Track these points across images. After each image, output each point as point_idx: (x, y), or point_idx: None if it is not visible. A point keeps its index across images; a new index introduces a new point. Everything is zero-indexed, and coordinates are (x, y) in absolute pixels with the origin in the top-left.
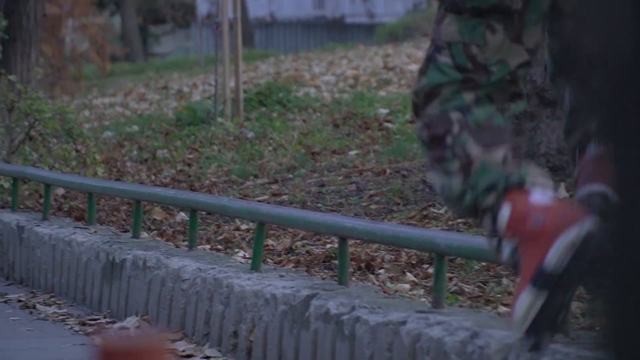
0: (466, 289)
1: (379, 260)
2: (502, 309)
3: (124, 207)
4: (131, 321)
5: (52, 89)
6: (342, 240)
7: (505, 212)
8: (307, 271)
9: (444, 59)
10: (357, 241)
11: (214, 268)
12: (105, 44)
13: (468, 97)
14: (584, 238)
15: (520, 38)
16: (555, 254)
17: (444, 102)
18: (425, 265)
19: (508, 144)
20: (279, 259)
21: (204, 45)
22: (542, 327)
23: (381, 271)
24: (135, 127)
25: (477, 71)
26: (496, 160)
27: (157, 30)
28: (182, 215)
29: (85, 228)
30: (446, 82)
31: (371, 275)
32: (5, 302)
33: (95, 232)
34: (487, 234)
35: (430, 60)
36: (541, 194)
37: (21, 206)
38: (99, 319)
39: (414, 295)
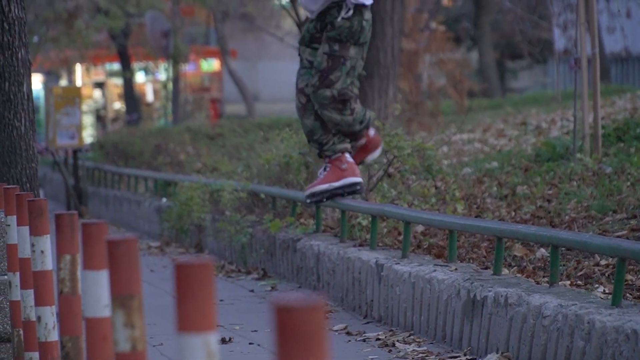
0: None
1: None
2: None
3: (484, 244)
4: (491, 358)
5: (409, 125)
6: None
7: (363, 140)
8: None
9: (306, 57)
10: None
11: (575, 304)
12: (463, 79)
13: (348, 80)
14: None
15: None
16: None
17: (343, 83)
18: None
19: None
20: (638, 294)
21: (561, 80)
22: (321, 199)
23: None
24: (495, 164)
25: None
26: (361, 110)
27: (514, 65)
28: (542, 251)
29: (446, 265)
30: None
31: None
32: (364, 340)
33: (456, 269)
34: (351, 146)
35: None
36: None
37: (380, 244)
38: (458, 356)
39: None
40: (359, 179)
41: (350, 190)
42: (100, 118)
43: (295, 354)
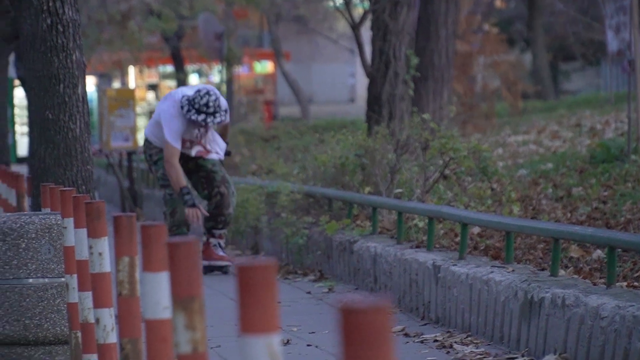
0: None
1: None
2: None
3: (541, 245)
4: (549, 359)
5: (464, 127)
6: None
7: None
8: None
9: None
10: None
11: (633, 305)
12: (516, 81)
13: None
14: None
15: None
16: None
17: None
18: None
19: None
20: None
21: (614, 82)
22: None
23: None
24: (550, 165)
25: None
26: None
27: (567, 67)
28: (599, 253)
29: (503, 267)
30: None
31: None
32: (422, 342)
33: (513, 270)
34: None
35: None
36: None
37: (437, 245)
38: (516, 357)
39: None
40: None
41: None
42: None
43: (361, 355)
